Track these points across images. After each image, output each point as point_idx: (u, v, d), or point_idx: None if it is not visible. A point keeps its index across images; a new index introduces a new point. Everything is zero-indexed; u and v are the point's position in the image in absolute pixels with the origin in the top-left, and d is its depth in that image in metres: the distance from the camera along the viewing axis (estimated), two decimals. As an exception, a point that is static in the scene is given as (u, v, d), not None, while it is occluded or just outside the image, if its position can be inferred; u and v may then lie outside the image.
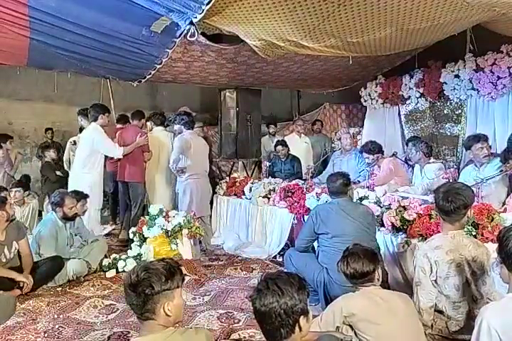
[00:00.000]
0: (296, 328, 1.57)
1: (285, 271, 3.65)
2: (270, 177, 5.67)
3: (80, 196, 4.34)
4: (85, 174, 5.06)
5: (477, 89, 5.48)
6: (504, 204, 3.69)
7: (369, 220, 3.32)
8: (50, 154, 6.26)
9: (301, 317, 1.58)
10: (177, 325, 1.81)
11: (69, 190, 4.63)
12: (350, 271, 2.29)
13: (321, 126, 7.87)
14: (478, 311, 1.72)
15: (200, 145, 5.05)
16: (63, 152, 7.64)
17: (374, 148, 4.96)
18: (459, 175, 4.50)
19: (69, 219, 4.14)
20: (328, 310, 2.29)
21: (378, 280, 2.33)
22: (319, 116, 8.86)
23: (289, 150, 6.23)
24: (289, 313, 1.55)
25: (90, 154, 5.08)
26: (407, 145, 5.63)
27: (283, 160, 6.22)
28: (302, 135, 6.95)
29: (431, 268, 2.35)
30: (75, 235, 4.27)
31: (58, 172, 6.25)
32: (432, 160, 4.77)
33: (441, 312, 2.38)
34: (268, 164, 6.41)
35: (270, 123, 7.69)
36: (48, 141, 7.48)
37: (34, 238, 4.05)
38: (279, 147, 6.21)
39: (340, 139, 6.10)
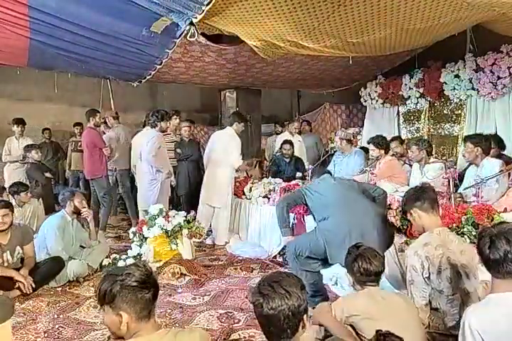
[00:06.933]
0: (300, 327, 1.59)
1: (285, 271, 3.66)
2: (271, 177, 5.65)
3: None
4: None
5: (477, 89, 5.48)
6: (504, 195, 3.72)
7: (355, 186, 3.42)
8: (33, 155, 5.76)
9: (305, 315, 1.60)
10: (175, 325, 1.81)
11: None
12: (363, 269, 2.24)
13: (307, 125, 7.74)
14: (471, 304, 1.72)
15: (134, 143, 5.08)
16: (63, 152, 7.66)
17: (383, 144, 4.88)
18: (458, 175, 4.49)
19: (78, 214, 4.19)
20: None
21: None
22: (319, 116, 8.87)
23: (294, 151, 6.18)
24: (296, 314, 1.56)
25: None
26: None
27: (287, 161, 6.12)
28: (295, 134, 6.86)
29: (422, 264, 2.37)
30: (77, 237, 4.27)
31: (47, 174, 5.95)
32: (432, 159, 4.76)
33: (436, 309, 2.41)
34: (269, 164, 6.38)
35: (277, 122, 7.65)
36: (46, 141, 7.47)
37: (42, 235, 4.06)
38: (287, 146, 6.08)
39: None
